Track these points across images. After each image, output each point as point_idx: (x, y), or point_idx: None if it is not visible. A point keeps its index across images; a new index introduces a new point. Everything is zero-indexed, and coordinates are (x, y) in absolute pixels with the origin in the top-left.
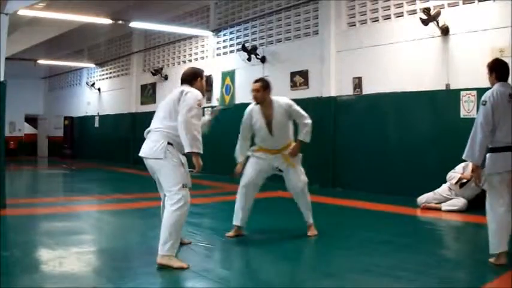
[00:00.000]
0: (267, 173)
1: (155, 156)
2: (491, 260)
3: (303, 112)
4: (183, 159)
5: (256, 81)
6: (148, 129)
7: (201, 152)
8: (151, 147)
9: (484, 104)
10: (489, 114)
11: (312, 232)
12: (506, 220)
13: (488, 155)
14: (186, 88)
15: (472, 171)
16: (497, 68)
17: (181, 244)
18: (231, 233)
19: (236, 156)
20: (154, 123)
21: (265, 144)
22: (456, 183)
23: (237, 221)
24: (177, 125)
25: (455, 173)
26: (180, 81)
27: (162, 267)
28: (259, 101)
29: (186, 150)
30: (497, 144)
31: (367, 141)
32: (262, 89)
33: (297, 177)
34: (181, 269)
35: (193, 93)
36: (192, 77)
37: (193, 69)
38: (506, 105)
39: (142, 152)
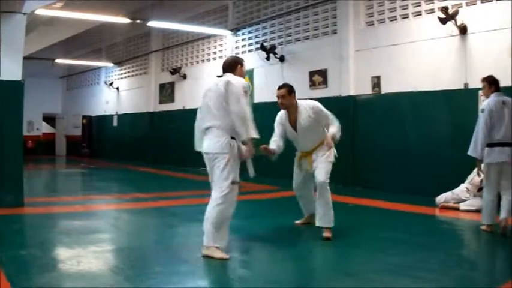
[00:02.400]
0: (308, 176)
1: (220, 151)
2: (483, 227)
3: (330, 116)
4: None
5: (280, 87)
6: (205, 126)
7: (258, 137)
8: (215, 143)
9: (483, 112)
10: (487, 119)
11: (326, 234)
12: (495, 201)
13: (485, 149)
14: (229, 77)
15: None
16: (495, 82)
17: None
18: (299, 221)
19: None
20: (211, 121)
21: (299, 147)
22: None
23: (303, 212)
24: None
25: (472, 175)
26: (198, 80)
27: (207, 257)
28: (285, 107)
29: (244, 137)
30: (492, 141)
31: (386, 141)
32: (288, 94)
33: (321, 172)
34: (223, 259)
35: (238, 83)
36: (233, 65)
37: (233, 57)
38: (499, 110)
39: (207, 148)
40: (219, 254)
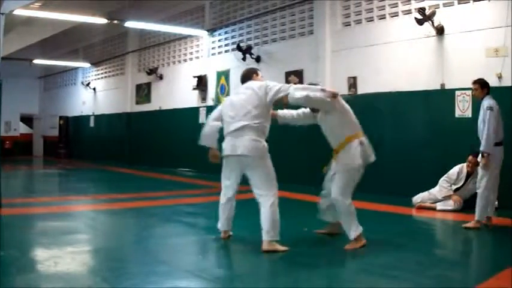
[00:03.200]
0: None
1: (260, 155)
2: (469, 224)
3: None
4: None
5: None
6: (236, 126)
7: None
8: (252, 146)
9: (492, 110)
10: (496, 117)
11: (349, 246)
12: (490, 197)
13: None
14: (258, 82)
15: (485, 159)
16: (486, 84)
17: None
18: (320, 230)
19: None
20: (241, 121)
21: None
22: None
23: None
24: (266, 120)
25: (445, 185)
26: (175, 80)
27: (268, 252)
28: None
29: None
30: (495, 140)
31: None
32: None
33: (335, 186)
34: (284, 251)
35: (270, 82)
36: (249, 75)
37: (247, 69)
38: (498, 112)
39: (244, 151)
40: (281, 248)
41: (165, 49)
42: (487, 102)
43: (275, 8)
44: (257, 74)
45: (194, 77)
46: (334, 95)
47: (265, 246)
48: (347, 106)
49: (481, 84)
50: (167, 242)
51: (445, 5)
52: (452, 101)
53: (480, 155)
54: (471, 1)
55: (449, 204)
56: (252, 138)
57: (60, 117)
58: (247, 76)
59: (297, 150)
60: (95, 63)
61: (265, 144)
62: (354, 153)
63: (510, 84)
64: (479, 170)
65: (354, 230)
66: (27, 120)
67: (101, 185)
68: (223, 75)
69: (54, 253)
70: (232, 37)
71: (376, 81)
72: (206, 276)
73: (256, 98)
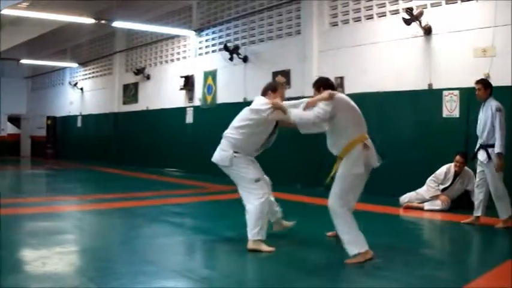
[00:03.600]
0: None
1: (224, 164)
2: (500, 225)
3: (316, 109)
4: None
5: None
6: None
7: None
8: (220, 155)
9: (501, 111)
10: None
11: (349, 260)
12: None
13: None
14: (260, 102)
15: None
16: (489, 85)
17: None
18: (330, 232)
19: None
20: (228, 130)
21: None
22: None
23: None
24: (243, 133)
25: (433, 185)
26: (162, 80)
27: (252, 251)
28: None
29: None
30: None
31: None
32: (316, 89)
33: (331, 192)
34: (270, 252)
35: (259, 101)
36: (264, 91)
37: (267, 85)
38: None
39: (213, 158)
40: (266, 248)
41: (152, 49)
42: (495, 103)
43: (262, 8)
44: (274, 91)
45: (181, 77)
46: (330, 97)
47: (249, 245)
48: (347, 105)
49: (484, 85)
50: (154, 242)
51: (432, 5)
52: (439, 101)
53: (482, 157)
54: (459, 1)
55: (437, 204)
56: (221, 148)
57: (48, 117)
58: (263, 92)
59: (285, 150)
60: (83, 63)
61: (232, 153)
62: (356, 159)
63: (498, 85)
64: (490, 173)
65: (351, 244)
66: (14, 120)
67: (88, 185)
68: (211, 75)
69: (42, 253)
70: (220, 37)
71: (363, 81)
72: (193, 276)
73: (246, 115)
